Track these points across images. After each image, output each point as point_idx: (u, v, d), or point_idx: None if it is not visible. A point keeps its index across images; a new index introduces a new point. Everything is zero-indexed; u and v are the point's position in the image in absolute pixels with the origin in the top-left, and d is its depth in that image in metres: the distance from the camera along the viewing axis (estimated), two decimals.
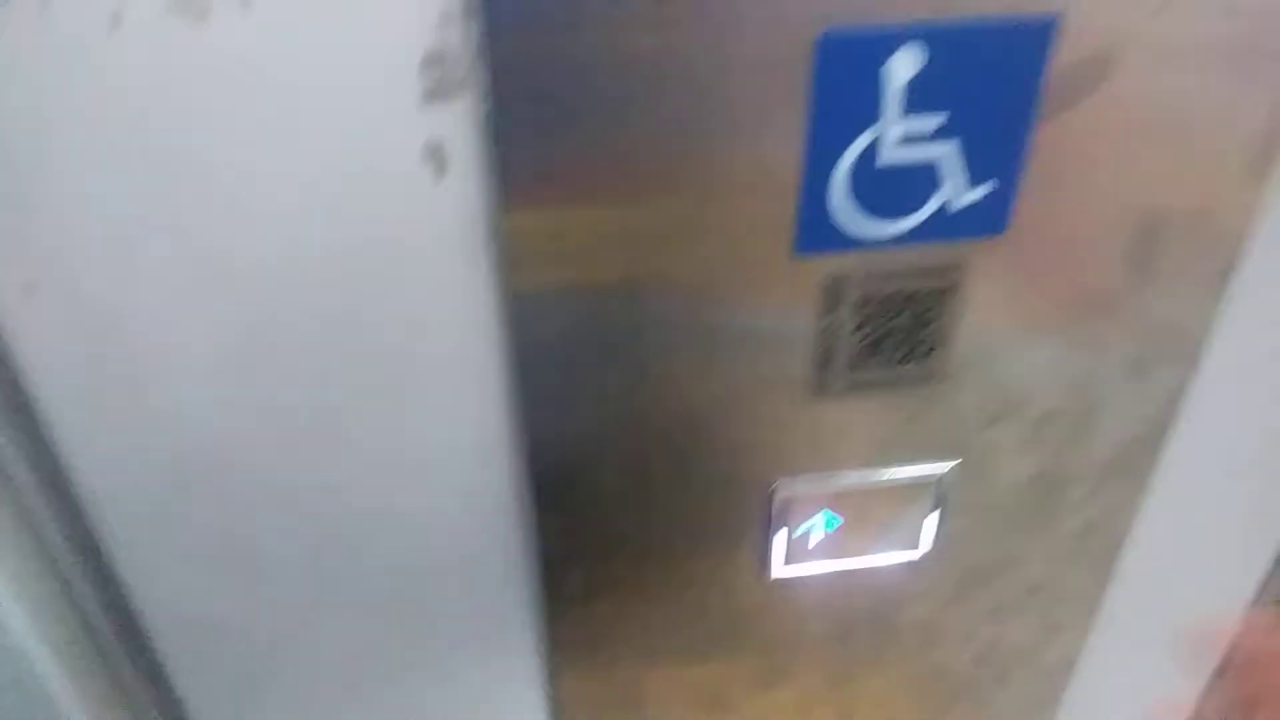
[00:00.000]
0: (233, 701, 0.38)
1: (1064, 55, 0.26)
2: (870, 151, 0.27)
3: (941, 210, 0.28)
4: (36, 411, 0.29)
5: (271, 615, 0.36)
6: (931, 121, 0.27)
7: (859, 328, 0.30)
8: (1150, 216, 0.29)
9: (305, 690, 0.38)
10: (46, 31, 0.23)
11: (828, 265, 0.29)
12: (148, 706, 0.38)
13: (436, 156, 0.26)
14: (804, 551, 0.36)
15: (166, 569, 0.34)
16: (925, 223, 0.28)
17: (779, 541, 0.35)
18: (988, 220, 0.29)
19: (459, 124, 0.26)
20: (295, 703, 0.39)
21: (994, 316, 0.31)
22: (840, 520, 0.35)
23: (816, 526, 0.35)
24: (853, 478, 0.34)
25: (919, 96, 0.26)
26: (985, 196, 0.28)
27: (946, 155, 0.27)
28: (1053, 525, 0.37)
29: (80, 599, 0.35)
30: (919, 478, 0.34)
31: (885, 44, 0.25)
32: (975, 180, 0.28)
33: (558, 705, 0.40)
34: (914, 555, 0.36)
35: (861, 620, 0.39)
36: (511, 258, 0.28)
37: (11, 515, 0.31)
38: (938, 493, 0.35)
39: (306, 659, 0.37)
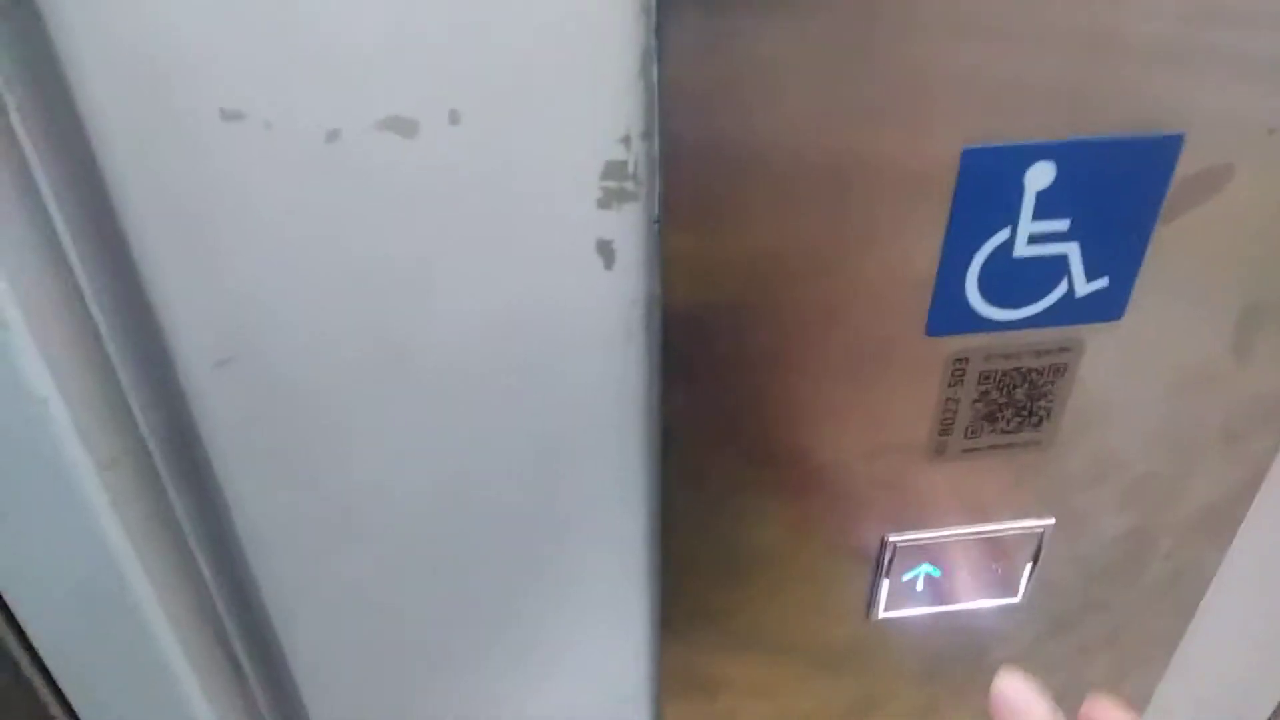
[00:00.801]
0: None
1: (1185, 168, 0.28)
2: (1003, 249, 0.29)
3: (1063, 299, 0.30)
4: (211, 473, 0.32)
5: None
6: (1060, 224, 0.29)
7: (978, 400, 0.33)
8: (1252, 307, 0.31)
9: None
10: (271, 143, 0.26)
11: (955, 344, 0.31)
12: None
13: (606, 252, 0.29)
14: (907, 597, 0.38)
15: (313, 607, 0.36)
16: (1047, 310, 0.31)
17: (884, 589, 0.38)
18: (1105, 308, 0.31)
19: (629, 225, 0.28)
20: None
21: (1102, 392, 0.33)
22: (940, 571, 0.38)
23: (920, 576, 0.38)
24: (959, 532, 0.36)
25: (1051, 203, 0.28)
26: (1104, 288, 0.30)
27: (1072, 253, 0.30)
28: (1140, 576, 0.39)
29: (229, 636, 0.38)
30: (1020, 532, 0.37)
31: (1023, 157, 0.28)
32: (1096, 275, 0.30)
33: None
34: (1010, 601, 0.39)
35: (953, 659, 0.41)
36: (666, 340, 0.30)
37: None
38: (1036, 547, 0.37)
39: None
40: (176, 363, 0.30)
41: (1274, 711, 0.46)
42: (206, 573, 0.36)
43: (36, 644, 0.35)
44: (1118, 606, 0.40)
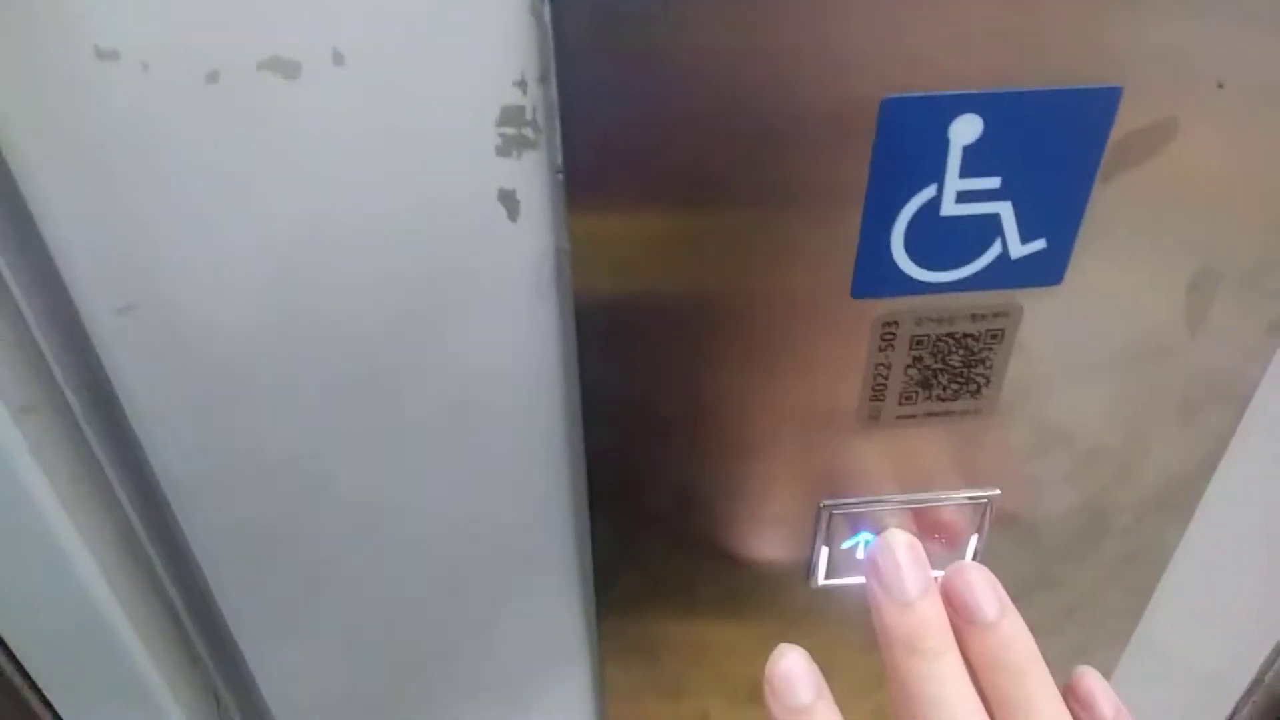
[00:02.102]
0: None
1: (1125, 123, 0.26)
2: (930, 207, 0.28)
3: (997, 261, 0.29)
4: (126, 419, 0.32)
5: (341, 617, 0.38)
6: (991, 182, 0.27)
7: (910, 365, 0.31)
8: (1205, 273, 0.30)
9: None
10: (150, 86, 0.25)
11: (884, 307, 0.30)
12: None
13: (509, 202, 0.28)
14: (846, 566, 0.37)
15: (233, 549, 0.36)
16: (980, 272, 0.29)
17: (823, 556, 0.37)
18: (1043, 272, 0.29)
19: (531, 174, 0.27)
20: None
21: (1045, 359, 0.31)
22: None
23: (859, 543, 0.37)
24: (898, 499, 0.35)
25: (980, 159, 0.27)
26: (1041, 250, 0.29)
27: (1004, 213, 0.28)
28: (1093, 553, 0.38)
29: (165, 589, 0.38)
30: (962, 501, 0.35)
31: (947, 108, 0.26)
32: (1032, 236, 0.28)
33: (603, 693, 0.42)
34: None
35: None
36: (577, 289, 0.29)
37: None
38: (977, 518, 0.36)
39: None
40: (80, 310, 0.29)
41: (1244, 693, 0.45)
42: (132, 516, 0.35)
43: None
44: (1071, 584, 0.39)
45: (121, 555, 0.36)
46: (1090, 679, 0.31)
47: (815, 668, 0.31)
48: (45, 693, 0.38)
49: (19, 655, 0.37)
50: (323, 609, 0.38)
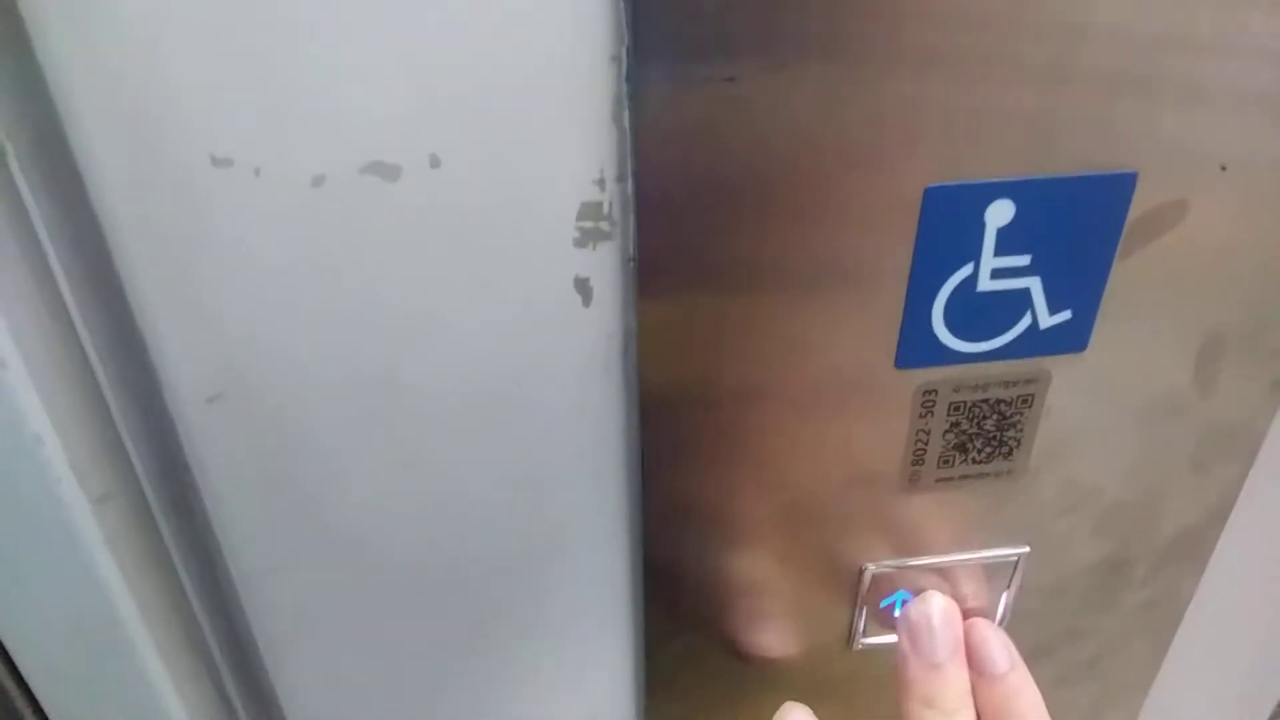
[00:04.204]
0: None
1: (1140, 204, 0.29)
2: (967, 283, 0.30)
3: (1028, 331, 0.31)
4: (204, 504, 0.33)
5: None
6: (1022, 260, 0.30)
7: (949, 430, 0.34)
8: (1213, 339, 0.32)
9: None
10: (259, 190, 0.27)
11: (924, 376, 0.32)
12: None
13: (584, 289, 0.30)
14: (882, 624, 0.39)
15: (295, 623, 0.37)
16: (1012, 342, 0.32)
17: (863, 616, 0.38)
18: (1069, 340, 0.32)
19: (605, 263, 0.29)
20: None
21: (1070, 421, 0.34)
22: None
23: (897, 603, 0.39)
24: (934, 561, 0.37)
25: (1012, 239, 0.29)
26: (1067, 320, 0.31)
27: (1034, 287, 0.31)
28: (1115, 603, 0.40)
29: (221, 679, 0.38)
30: (995, 560, 0.37)
31: (983, 195, 0.29)
32: (1059, 307, 0.31)
33: None
34: None
35: None
36: (643, 372, 0.31)
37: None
38: (1008, 574, 0.38)
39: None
40: (168, 400, 0.31)
41: None
42: (196, 605, 0.36)
43: (27, 677, 0.35)
44: (1095, 634, 0.41)
45: (183, 648, 0.37)
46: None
47: None
48: None
49: None
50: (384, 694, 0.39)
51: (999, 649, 0.35)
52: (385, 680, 0.39)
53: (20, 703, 0.36)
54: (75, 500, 0.31)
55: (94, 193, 0.27)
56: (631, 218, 0.29)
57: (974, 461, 0.35)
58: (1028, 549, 0.37)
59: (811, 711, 0.35)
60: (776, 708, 0.42)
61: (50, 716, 0.36)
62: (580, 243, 0.29)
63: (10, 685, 0.35)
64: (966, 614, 0.38)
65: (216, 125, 0.26)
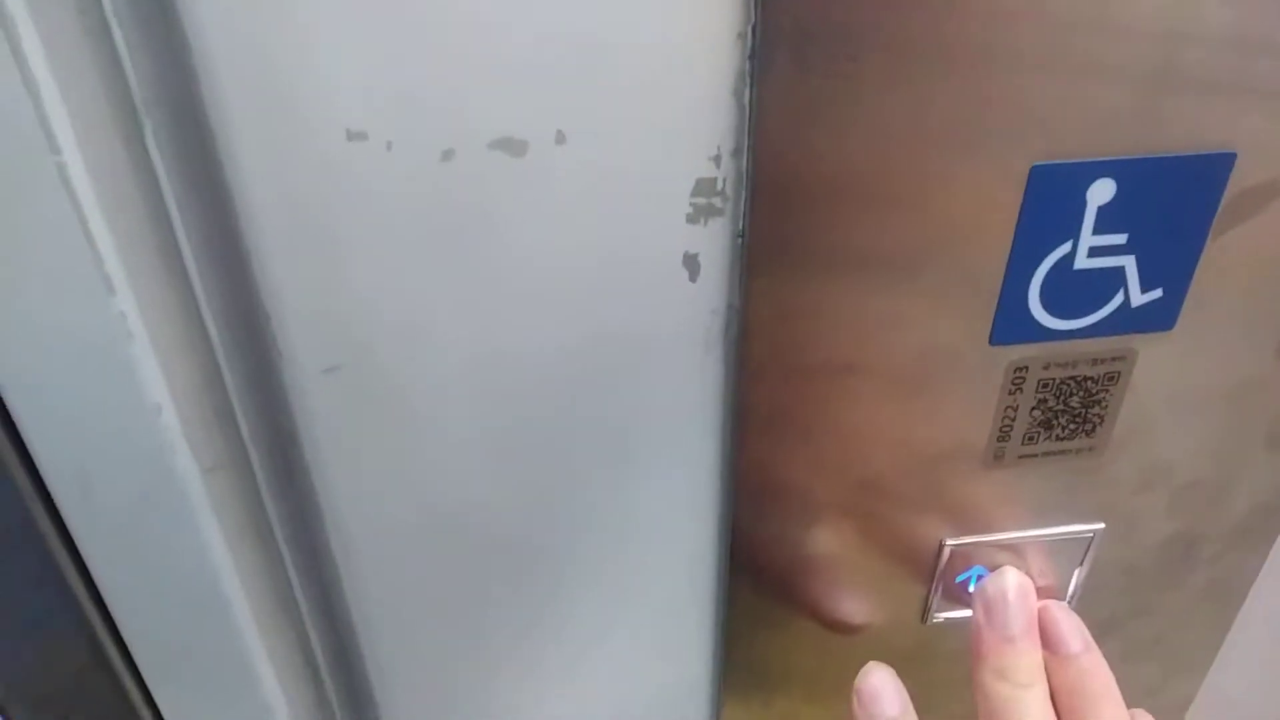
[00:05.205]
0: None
1: (1235, 184, 0.30)
2: (1065, 261, 0.31)
3: (1119, 309, 0.32)
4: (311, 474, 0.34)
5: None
6: (1119, 238, 0.31)
7: (1035, 407, 0.34)
8: None
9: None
10: (390, 164, 0.28)
11: (1016, 353, 0.33)
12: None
13: (691, 265, 0.31)
14: (957, 599, 0.40)
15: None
16: (1103, 320, 0.33)
17: (937, 591, 0.39)
18: (1158, 318, 0.33)
19: (714, 239, 0.30)
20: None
21: (1153, 399, 0.35)
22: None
23: (970, 578, 0.39)
24: (1013, 536, 0.38)
25: (1111, 218, 0.30)
26: (1158, 299, 0.32)
27: (1129, 265, 0.31)
28: (1182, 581, 0.41)
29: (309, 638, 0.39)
30: (1070, 536, 0.38)
31: (1087, 173, 0.30)
32: (1151, 286, 0.32)
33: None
34: None
35: None
36: (746, 348, 0.32)
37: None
38: (1084, 551, 0.39)
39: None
40: (284, 371, 0.31)
41: None
42: (293, 576, 0.37)
43: (126, 636, 0.36)
44: (1162, 611, 0.42)
45: (277, 617, 0.37)
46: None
47: (902, 686, 0.34)
48: None
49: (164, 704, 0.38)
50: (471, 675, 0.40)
51: (1072, 630, 0.35)
52: (474, 654, 0.39)
53: (117, 661, 0.36)
54: (188, 469, 0.32)
55: (229, 166, 0.27)
56: (744, 195, 0.29)
57: (1058, 438, 0.35)
58: (1103, 526, 0.38)
59: (893, 671, 0.35)
60: (850, 680, 0.43)
61: (145, 674, 0.37)
62: (692, 218, 0.30)
63: (106, 641, 0.36)
64: (1040, 592, 0.39)
65: (353, 100, 0.27)
